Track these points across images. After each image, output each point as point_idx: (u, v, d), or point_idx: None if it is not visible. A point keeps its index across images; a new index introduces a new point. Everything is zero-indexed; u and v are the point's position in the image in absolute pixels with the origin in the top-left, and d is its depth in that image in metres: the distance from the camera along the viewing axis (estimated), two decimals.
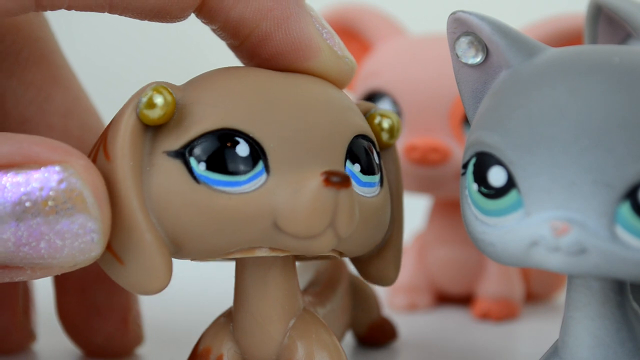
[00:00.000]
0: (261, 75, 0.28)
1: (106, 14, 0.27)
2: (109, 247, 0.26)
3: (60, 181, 0.25)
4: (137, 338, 0.35)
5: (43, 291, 0.37)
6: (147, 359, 0.35)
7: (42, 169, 0.25)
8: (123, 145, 0.26)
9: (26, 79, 0.33)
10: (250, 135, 0.26)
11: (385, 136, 0.30)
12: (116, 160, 0.26)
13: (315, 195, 0.25)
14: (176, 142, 0.26)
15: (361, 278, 0.33)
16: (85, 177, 0.25)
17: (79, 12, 0.27)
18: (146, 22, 0.28)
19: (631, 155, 0.23)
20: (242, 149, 0.26)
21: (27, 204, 0.25)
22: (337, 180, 0.26)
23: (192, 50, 0.79)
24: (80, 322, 0.35)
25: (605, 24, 0.33)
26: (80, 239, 0.25)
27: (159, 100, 0.26)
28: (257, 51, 0.28)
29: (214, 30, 0.29)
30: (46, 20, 0.34)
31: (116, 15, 0.27)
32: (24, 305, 0.36)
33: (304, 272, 0.34)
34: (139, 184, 0.26)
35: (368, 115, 0.30)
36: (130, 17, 0.28)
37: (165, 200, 0.26)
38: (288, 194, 0.26)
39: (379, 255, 0.30)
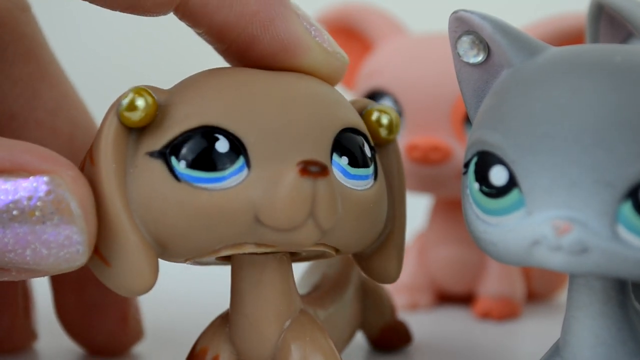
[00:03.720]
0: (244, 72, 0.28)
1: (95, 8, 0.27)
2: (96, 251, 0.26)
3: (49, 192, 0.25)
4: (137, 334, 0.35)
5: (43, 290, 0.37)
6: (146, 359, 0.35)
7: (31, 178, 0.25)
8: (105, 148, 0.26)
9: (13, 75, 0.33)
10: (230, 130, 0.26)
11: (384, 132, 0.29)
12: (99, 164, 0.26)
13: (292, 186, 0.25)
14: (157, 142, 0.26)
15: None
16: (73, 188, 0.25)
17: (68, 8, 0.27)
18: (137, 19, 0.28)
19: (632, 155, 0.23)
20: (222, 145, 0.26)
21: (15, 212, 0.25)
22: (314, 170, 0.26)
23: (183, 47, 0.78)
24: (80, 320, 0.35)
25: (607, 23, 0.33)
26: (65, 250, 0.25)
27: (140, 102, 0.26)
28: (245, 54, 0.28)
29: (199, 34, 0.29)
30: (33, 16, 0.34)
31: (108, 12, 0.27)
32: (24, 304, 0.36)
33: (311, 275, 0.34)
34: (122, 186, 0.26)
35: (365, 112, 0.29)
36: (100, 5, 0.27)
37: (147, 201, 0.26)
38: (267, 187, 0.26)
39: (380, 252, 0.30)
